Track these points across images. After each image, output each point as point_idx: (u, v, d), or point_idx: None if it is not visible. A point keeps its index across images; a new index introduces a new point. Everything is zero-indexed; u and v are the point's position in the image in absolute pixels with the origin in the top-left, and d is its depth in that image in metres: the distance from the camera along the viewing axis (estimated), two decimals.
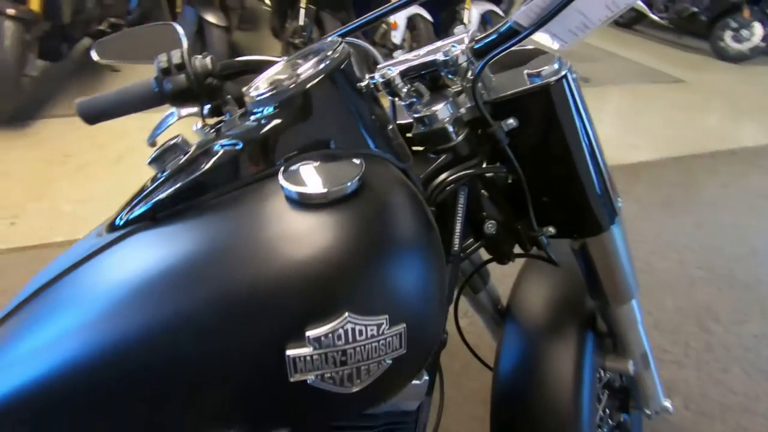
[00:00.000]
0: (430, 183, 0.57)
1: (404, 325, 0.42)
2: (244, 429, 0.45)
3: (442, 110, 0.55)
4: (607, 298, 0.76)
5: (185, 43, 0.63)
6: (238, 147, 0.46)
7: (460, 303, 0.78)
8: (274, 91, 0.46)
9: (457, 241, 0.59)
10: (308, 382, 0.40)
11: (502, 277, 0.95)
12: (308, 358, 0.39)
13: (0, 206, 1.97)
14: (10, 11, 2.29)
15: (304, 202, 0.41)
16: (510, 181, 0.61)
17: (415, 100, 0.56)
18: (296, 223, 0.41)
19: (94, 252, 0.44)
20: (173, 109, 0.66)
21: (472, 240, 0.66)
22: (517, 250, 0.69)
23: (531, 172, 0.59)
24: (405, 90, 0.54)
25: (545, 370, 0.78)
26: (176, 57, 0.57)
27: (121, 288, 0.41)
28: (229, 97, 0.61)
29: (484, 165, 0.59)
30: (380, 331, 0.41)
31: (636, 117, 3.50)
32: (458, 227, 0.58)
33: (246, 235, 0.42)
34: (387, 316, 0.41)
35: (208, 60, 0.59)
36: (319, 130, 0.47)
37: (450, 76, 0.55)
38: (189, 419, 0.42)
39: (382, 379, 0.43)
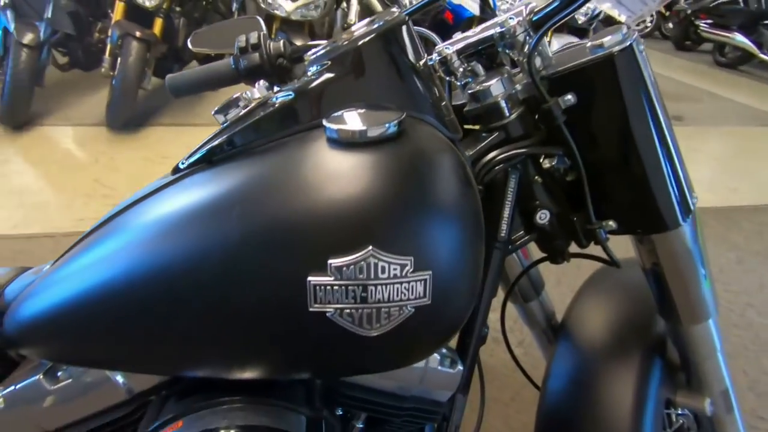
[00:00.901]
0: (479, 162, 0.55)
1: (430, 272, 0.41)
2: (264, 368, 0.46)
3: (496, 85, 0.53)
4: (677, 314, 0.66)
5: (264, 29, 0.69)
6: (290, 97, 0.49)
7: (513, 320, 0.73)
8: (328, 48, 0.49)
9: (504, 226, 0.56)
10: (327, 314, 0.40)
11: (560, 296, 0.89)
12: (329, 287, 0.40)
13: (108, 194, 2.24)
14: (138, 34, 2.66)
15: (343, 141, 0.42)
16: (566, 168, 0.56)
17: (470, 79, 0.55)
18: (333, 160, 0.43)
19: (156, 189, 0.49)
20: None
21: (522, 233, 0.62)
22: (573, 249, 0.63)
23: (590, 156, 0.54)
24: (461, 70, 0.54)
25: (601, 396, 0.70)
26: (253, 38, 0.63)
27: (172, 217, 0.45)
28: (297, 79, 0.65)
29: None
30: (404, 273, 0.40)
31: (737, 160, 3.19)
32: (507, 212, 0.56)
33: (285, 171, 0.44)
34: (412, 259, 0.40)
35: (281, 43, 0.64)
36: (368, 86, 0.48)
37: (507, 51, 0.54)
38: (216, 341, 0.44)
39: (403, 331, 0.42)
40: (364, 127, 0.42)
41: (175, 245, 0.43)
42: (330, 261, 0.39)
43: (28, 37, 2.60)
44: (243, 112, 0.50)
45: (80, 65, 3.27)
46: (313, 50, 0.52)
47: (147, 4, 2.74)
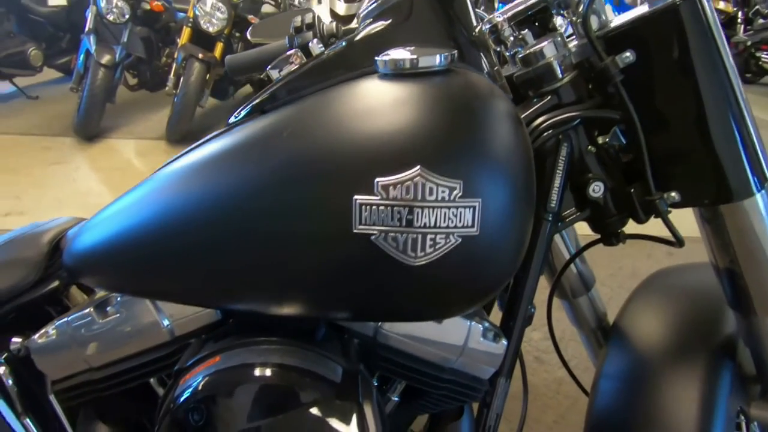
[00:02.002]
0: (528, 127, 0.53)
1: (479, 201, 0.40)
2: (306, 301, 0.47)
3: (548, 47, 0.51)
4: (751, 302, 0.57)
5: (317, 13, 0.74)
6: (342, 46, 0.50)
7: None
8: (380, 1, 0.51)
9: (555, 197, 0.54)
10: (372, 237, 0.40)
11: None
12: (375, 207, 0.39)
13: None
14: (200, 55, 2.89)
15: (394, 72, 0.43)
16: (620, 146, 0.53)
17: (520, 48, 0.54)
18: (384, 89, 0.43)
19: (210, 138, 0.52)
20: None
21: (573, 210, 0.59)
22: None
23: (650, 119, 0.50)
24: (512, 38, 0.53)
25: (661, 404, 0.63)
26: (308, 18, 0.68)
27: (224, 151, 0.48)
28: None
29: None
30: (452, 197, 0.39)
31: None
32: (558, 181, 0.53)
33: (336, 100, 0.45)
34: (461, 183, 0.39)
35: (333, 24, 0.68)
36: (418, 36, 0.49)
37: (561, 12, 0.53)
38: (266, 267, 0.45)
39: (447, 265, 0.41)
40: (414, 57, 0.42)
41: (227, 173, 0.45)
42: (377, 180, 0.39)
43: (105, 58, 2.89)
44: (296, 65, 0.53)
45: (147, 86, 3.57)
46: (365, 5, 0.54)
47: (210, 29, 2.98)
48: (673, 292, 0.75)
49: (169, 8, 3.35)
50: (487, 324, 0.59)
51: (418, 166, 0.39)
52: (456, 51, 0.44)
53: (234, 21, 3.05)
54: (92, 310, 0.55)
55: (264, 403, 0.48)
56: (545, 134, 0.52)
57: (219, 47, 3.05)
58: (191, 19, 2.97)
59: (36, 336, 0.56)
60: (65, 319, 0.55)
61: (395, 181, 0.39)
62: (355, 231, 0.40)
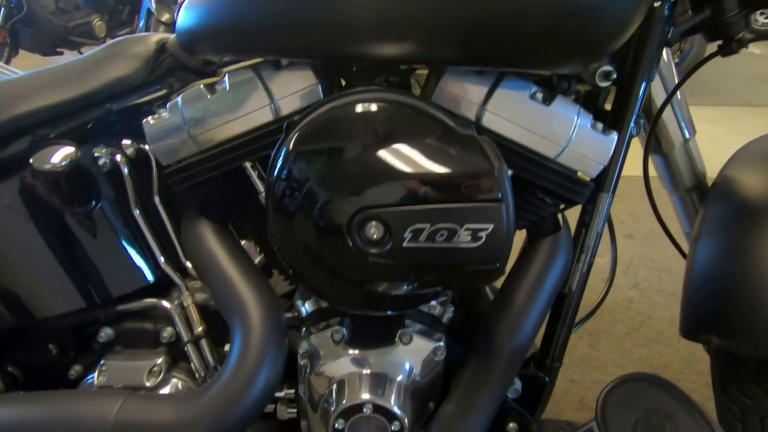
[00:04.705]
0: None
1: None
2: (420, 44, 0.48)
3: None
4: None
5: None
6: None
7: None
8: None
9: None
10: None
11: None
12: None
13: None
14: None
15: None
16: None
17: None
18: None
19: None
20: None
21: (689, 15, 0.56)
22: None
23: None
24: None
25: (763, 259, 0.60)
26: None
27: None
28: None
29: None
30: None
31: None
32: None
33: None
34: None
35: None
36: None
37: None
38: None
39: (564, 12, 0.42)
40: None
41: None
42: None
43: (165, 16, 3.01)
44: None
45: None
46: None
47: None
48: None
49: None
50: (595, 119, 0.57)
51: None
52: None
53: None
54: (202, 87, 0.57)
55: (378, 136, 0.47)
56: None
57: None
58: None
59: (149, 118, 0.58)
60: (177, 99, 0.57)
61: None
62: None
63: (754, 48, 5.26)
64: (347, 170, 0.47)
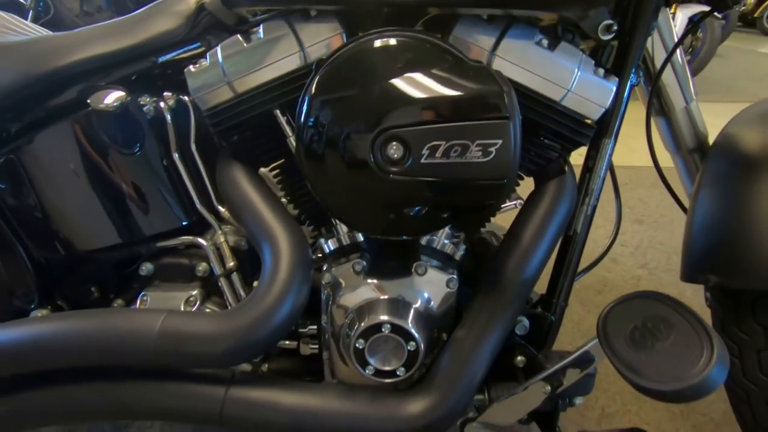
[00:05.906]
0: None
1: None
2: None
3: None
4: None
5: None
6: None
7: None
8: None
9: None
10: None
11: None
12: None
13: None
14: None
15: None
16: None
17: None
18: None
19: None
20: None
21: None
22: None
23: None
24: None
25: (762, 206, 0.63)
26: None
27: None
28: None
29: None
30: None
31: None
32: None
33: None
34: None
35: None
36: None
37: None
38: None
39: None
40: None
41: None
42: None
43: None
44: None
45: None
46: None
47: None
48: None
49: None
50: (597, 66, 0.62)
51: None
52: None
53: None
54: (239, 36, 0.63)
55: (399, 64, 0.53)
56: None
57: None
58: None
59: (190, 66, 0.64)
60: (216, 48, 0.63)
61: None
62: None
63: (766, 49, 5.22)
64: (370, 95, 0.53)
